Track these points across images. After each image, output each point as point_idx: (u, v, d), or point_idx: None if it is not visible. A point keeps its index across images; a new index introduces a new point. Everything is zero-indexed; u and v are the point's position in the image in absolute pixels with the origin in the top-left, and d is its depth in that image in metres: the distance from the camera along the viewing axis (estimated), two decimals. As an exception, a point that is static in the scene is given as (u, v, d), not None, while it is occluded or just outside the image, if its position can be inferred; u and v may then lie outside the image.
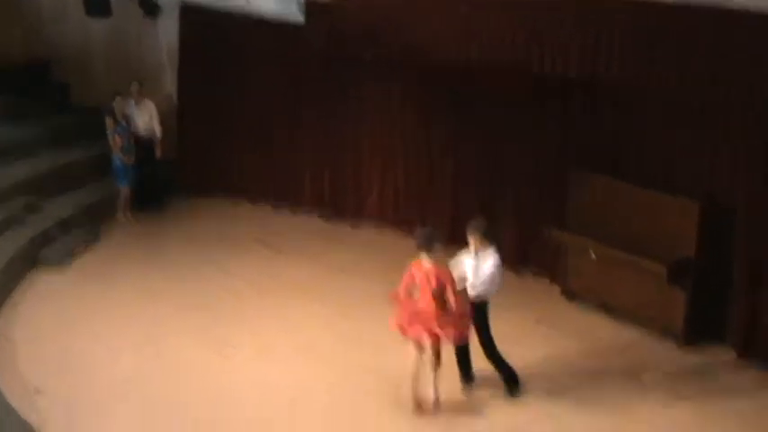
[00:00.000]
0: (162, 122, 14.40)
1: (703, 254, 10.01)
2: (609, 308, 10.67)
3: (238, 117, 14.70)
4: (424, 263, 8.72)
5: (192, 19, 14.63)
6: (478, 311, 9.01)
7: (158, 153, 14.39)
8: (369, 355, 10.00)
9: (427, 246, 8.75)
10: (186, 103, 15.08)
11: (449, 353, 9.10)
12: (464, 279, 8.94)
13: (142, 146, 14.14)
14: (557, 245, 11.13)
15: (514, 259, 11.77)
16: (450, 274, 8.78)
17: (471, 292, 8.93)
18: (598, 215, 10.80)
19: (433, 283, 8.60)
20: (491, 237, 9.15)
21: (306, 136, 14.27)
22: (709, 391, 9.39)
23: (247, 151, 14.77)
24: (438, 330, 8.69)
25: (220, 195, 14.91)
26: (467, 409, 9.07)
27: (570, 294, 11.02)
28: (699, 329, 10.24)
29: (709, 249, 10.04)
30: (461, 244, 12.71)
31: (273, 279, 12.00)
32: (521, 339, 9.70)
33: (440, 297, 8.63)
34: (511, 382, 9.19)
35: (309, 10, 12.94)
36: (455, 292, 8.66)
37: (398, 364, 9.62)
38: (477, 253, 8.99)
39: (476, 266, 8.96)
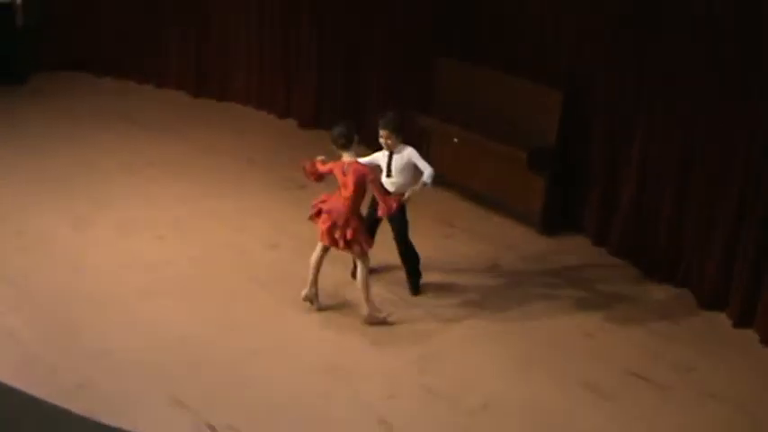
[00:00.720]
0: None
1: (564, 142, 10.19)
2: (471, 193, 10.83)
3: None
4: (345, 160, 8.35)
5: None
6: (401, 210, 8.75)
7: (18, 21, 13.92)
8: (232, 231, 10.03)
9: (346, 142, 8.37)
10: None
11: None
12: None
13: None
14: (421, 131, 11.22)
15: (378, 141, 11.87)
16: (373, 170, 8.47)
17: (391, 189, 8.67)
18: (463, 102, 10.93)
19: (349, 180, 8.25)
20: (404, 131, 8.83)
21: (173, 9, 14.04)
22: (558, 272, 9.69)
23: (112, 24, 14.46)
24: (348, 236, 8.30)
25: (84, 70, 14.60)
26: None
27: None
28: (557, 217, 10.49)
29: (571, 137, 10.22)
30: (325, 127, 12.94)
31: (136, 155, 11.86)
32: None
33: (356, 199, 8.33)
34: (416, 277, 9.05)
35: None
36: (380, 190, 8.38)
37: (262, 241, 9.83)
38: (391, 150, 8.69)
39: (395, 162, 8.69)
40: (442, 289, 9.01)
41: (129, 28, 14.41)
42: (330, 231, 8.29)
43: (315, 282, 8.57)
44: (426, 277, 9.08)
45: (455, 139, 10.30)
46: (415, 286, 9.02)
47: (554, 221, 10.44)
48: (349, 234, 8.23)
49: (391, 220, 8.67)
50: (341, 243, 8.30)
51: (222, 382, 7.50)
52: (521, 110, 10.38)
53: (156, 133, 12.64)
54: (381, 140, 8.65)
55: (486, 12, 11.09)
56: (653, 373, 8.00)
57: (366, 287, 8.39)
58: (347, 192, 8.24)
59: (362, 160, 8.60)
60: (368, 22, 12.18)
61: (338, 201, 8.30)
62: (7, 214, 10.11)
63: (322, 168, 8.47)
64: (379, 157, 8.78)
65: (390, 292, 8.98)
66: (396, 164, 8.67)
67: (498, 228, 10.49)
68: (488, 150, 10.35)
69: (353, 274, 8.64)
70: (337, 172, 8.31)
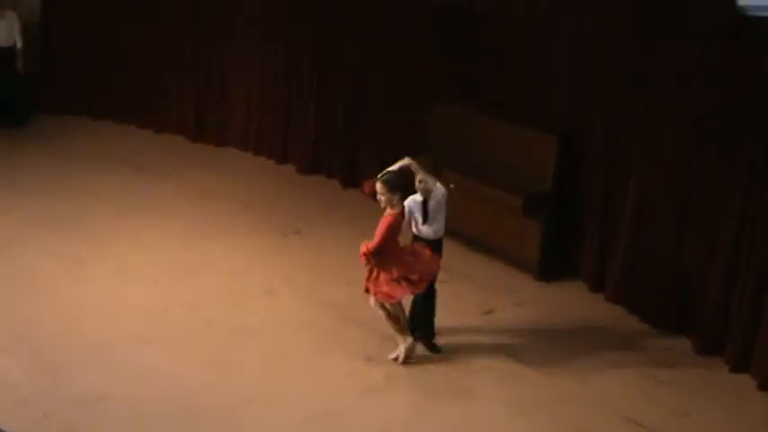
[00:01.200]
0: (25, 34, 14.00)
1: (560, 187, 10.23)
2: (468, 240, 10.81)
3: (106, 33, 14.42)
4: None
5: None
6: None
7: (19, 66, 14.05)
8: (227, 276, 10.03)
9: (403, 191, 8.31)
10: (52, 16, 14.69)
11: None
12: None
13: (1, 58, 13.75)
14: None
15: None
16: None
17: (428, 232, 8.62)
18: (459, 147, 10.97)
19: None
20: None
21: (173, 56, 14.13)
22: (555, 319, 9.69)
23: (114, 69, 14.55)
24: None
25: (84, 114, 14.67)
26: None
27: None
28: (554, 263, 10.48)
29: (567, 183, 10.26)
30: (324, 172, 12.98)
31: (134, 198, 11.88)
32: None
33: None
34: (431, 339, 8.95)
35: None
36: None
37: (257, 287, 9.83)
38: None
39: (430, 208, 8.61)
40: (438, 337, 8.98)
41: (130, 72, 14.49)
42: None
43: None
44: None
45: (451, 185, 10.27)
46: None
47: (551, 267, 10.44)
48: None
49: None
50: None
51: (217, 430, 7.47)
52: (517, 155, 10.43)
53: (154, 177, 12.66)
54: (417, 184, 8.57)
55: (483, 58, 11.15)
56: (648, 418, 8.00)
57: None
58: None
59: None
60: (367, 68, 12.24)
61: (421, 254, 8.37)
62: (4, 256, 10.12)
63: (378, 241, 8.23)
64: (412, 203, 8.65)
65: (378, 333, 8.97)
66: (430, 209, 8.61)
67: (495, 274, 10.49)
68: (484, 196, 10.38)
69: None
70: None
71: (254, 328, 9.02)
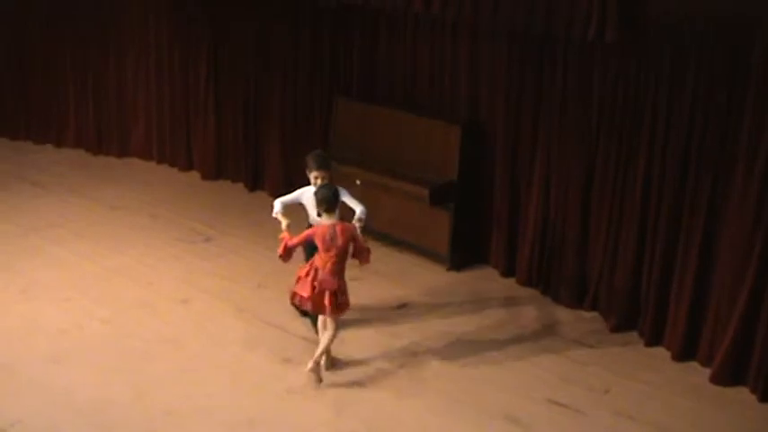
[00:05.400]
0: None
1: (467, 176, 10.33)
2: (378, 234, 10.73)
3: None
4: (327, 222, 8.06)
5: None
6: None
7: None
8: (140, 288, 9.91)
9: (330, 207, 8.10)
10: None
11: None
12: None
13: None
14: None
15: (284, 189, 11.90)
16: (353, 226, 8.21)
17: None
18: (364, 141, 11.01)
19: (340, 241, 7.99)
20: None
21: (68, 69, 13.93)
22: (468, 307, 9.77)
23: (4, 83, 14.29)
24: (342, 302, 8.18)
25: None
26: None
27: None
28: (464, 252, 10.59)
29: (474, 172, 10.37)
30: (226, 178, 12.92)
31: (38, 216, 11.65)
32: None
33: (344, 260, 8.11)
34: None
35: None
36: (362, 240, 8.22)
37: (171, 296, 9.75)
38: None
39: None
40: (352, 332, 9.00)
41: (24, 87, 14.23)
42: (321, 301, 8.09)
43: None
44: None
45: (357, 181, 10.34)
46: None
47: (462, 256, 10.53)
48: (343, 300, 8.15)
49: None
50: (330, 309, 8.12)
51: (140, 444, 7.42)
52: (422, 147, 10.49)
53: (56, 193, 12.45)
54: (315, 180, 8.45)
55: (382, 52, 11.20)
56: (569, 398, 8.12)
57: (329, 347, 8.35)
58: (332, 255, 8.00)
59: (285, 199, 8.56)
60: (265, 68, 12.21)
61: (322, 268, 8.05)
62: None
63: (295, 242, 8.14)
64: (304, 197, 8.63)
65: (294, 334, 9.03)
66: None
67: (406, 266, 10.54)
68: (391, 189, 10.42)
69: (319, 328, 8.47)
70: (318, 238, 8.01)
71: (170, 339, 8.94)
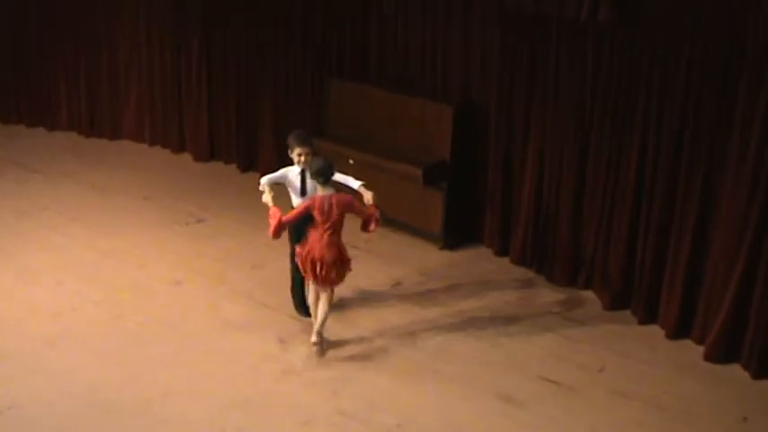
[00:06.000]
0: None
1: (460, 156, 10.31)
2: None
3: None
4: (322, 194, 8.13)
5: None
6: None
7: None
8: (133, 270, 9.91)
9: (327, 179, 8.15)
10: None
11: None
12: None
13: None
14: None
15: (274, 169, 11.91)
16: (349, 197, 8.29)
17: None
18: (356, 122, 10.98)
19: (335, 212, 8.10)
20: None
21: (60, 52, 13.87)
22: (462, 286, 9.78)
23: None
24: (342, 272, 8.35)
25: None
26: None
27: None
28: (458, 232, 10.60)
29: (467, 152, 10.34)
30: (220, 159, 12.91)
31: (29, 200, 11.62)
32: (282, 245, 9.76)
33: (340, 230, 8.21)
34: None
35: None
36: (362, 209, 8.34)
37: (164, 278, 9.75)
38: (304, 168, 8.50)
39: (309, 181, 8.52)
40: (348, 312, 9.02)
41: (15, 70, 14.18)
42: (319, 272, 8.20)
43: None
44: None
45: (350, 161, 10.33)
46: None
47: (455, 236, 10.54)
48: (345, 268, 8.29)
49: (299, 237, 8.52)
50: (336, 280, 8.30)
51: (137, 426, 7.42)
52: (414, 127, 10.47)
53: (50, 177, 12.42)
54: (298, 158, 8.46)
55: (374, 33, 11.17)
56: (563, 376, 8.16)
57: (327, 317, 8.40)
58: (328, 225, 8.10)
59: (271, 176, 8.56)
60: (257, 48, 12.17)
61: (318, 242, 8.16)
62: None
63: (290, 217, 8.18)
64: (290, 175, 8.60)
65: (288, 315, 9.04)
66: (310, 182, 8.50)
67: (400, 246, 10.55)
68: (384, 169, 10.41)
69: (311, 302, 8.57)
70: (316, 210, 8.08)
71: (164, 320, 8.95)
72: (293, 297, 9.03)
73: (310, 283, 8.47)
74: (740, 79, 7.89)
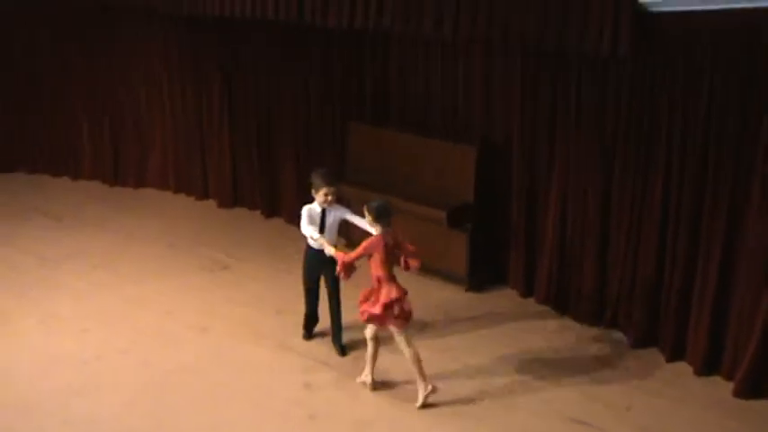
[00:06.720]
0: None
1: (483, 197, 10.31)
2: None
3: (7, 81, 14.22)
4: (382, 232, 8.20)
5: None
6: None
7: None
8: (159, 317, 9.92)
9: (389, 216, 8.26)
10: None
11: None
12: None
13: None
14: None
15: (300, 215, 11.95)
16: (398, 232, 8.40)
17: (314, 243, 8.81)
18: (378, 165, 11.01)
19: (395, 249, 8.26)
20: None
21: (83, 101, 13.99)
22: (488, 327, 9.75)
23: (20, 118, 14.36)
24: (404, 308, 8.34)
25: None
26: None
27: (354, 246, 11.09)
28: (483, 274, 10.59)
29: (490, 193, 10.36)
30: (243, 206, 12.91)
31: (55, 248, 11.69)
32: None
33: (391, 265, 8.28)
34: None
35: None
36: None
37: (190, 325, 9.75)
38: (324, 208, 8.78)
39: (327, 220, 8.84)
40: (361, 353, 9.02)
41: (40, 121, 14.30)
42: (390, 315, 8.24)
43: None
44: (356, 346, 9.14)
45: (373, 204, 10.33)
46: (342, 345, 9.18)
47: (480, 278, 10.53)
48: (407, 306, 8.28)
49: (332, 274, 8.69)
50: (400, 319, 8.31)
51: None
52: (436, 169, 10.49)
53: (74, 225, 12.50)
54: (325, 197, 8.66)
55: (393, 74, 11.22)
56: (592, 416, 8.10)
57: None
58: (389, 263, 8.19)
59: (312, 225, 8.69)
60: (278, 96, 12.24)
61: (391, 281, 8.22)
62: None
63: (353, 256, 8.25)
64: (312, 214, 8.78)
65: (314, 359, 9.05)
66: (328, 221, 8.76)
67: (425, 289, 10.50)
68: (408, 212, 10.40)
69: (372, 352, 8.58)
70: (379, 248, 8.14)
71: (191, 367, 8.94)
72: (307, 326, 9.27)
73: (373, 330, 8.44)
74: (761, 106, 7.89)
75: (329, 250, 8.50)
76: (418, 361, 8.26)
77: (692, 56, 8.30)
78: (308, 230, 8.69)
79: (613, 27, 8.22)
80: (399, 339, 8.28)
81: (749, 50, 7.89)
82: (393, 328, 8.25)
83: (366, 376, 8.55)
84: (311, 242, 8.82)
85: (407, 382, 8.57)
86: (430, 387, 8.25)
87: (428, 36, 10.21)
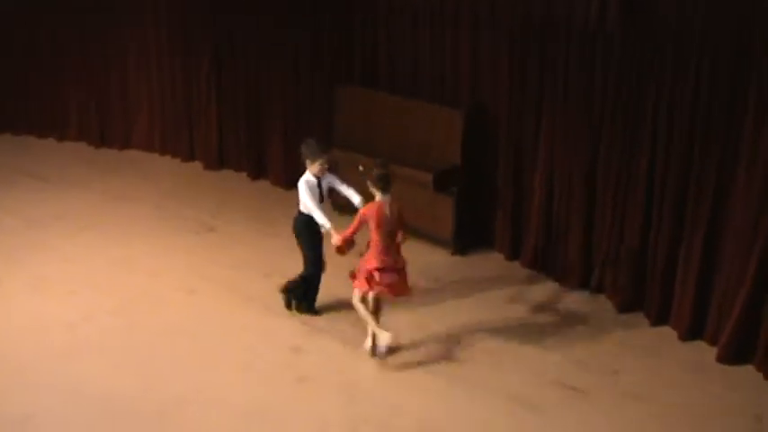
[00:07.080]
0: None
1: (470, 161, 10.33)
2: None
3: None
4: (382, 201, 8.20)
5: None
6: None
7: None
8: (146, 279, 9.93)
9: (387, 185, 8.22)
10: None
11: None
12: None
13: None
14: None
15: (287, 178, 11.98)
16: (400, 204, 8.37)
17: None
18: (366, 128, 11.00)
19: (394, 218, 8.23)
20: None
21: (69, 62, 13.92)
22: (474, 290, 9.79)
23: (6, 80, 14.28)
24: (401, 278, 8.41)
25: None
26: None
27: (341, 207, 11.12)
28: (469, 237, 10.62)
29: (477, 157, 10.36)
30: (229, 168, 12.90)
31: (42, 210, 11.66)
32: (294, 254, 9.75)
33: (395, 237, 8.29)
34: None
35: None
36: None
37: (177, 287, 9.78)
38: (320, 177, 8.75)
39: (324, 188, 8.84)
40: (359, 319, 9.04)
41: (25, 82, 14.22)
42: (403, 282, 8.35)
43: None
44: (341, 307, 9.17)
45: (360, 167, 10.31)
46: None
47: (466, 241, 10.56)
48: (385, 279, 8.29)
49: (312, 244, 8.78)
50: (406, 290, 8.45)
51: (152, 432, 7.44)
52: (423, 133, 10.49)
53: (61, 187, 12.47)
54: (321, 167, 8.67)
55: (382, 40, 11.18)
56: (577, 380, 8.17)
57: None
58: (389, 230, 8.18)
59: (314, 202, 8.62)
60: (265, 58, 12.20)
61: (386, 251, 8.21)
62: None
63: (350, 232, 8.25)
64: (309, 186, 8.73)
65: (301, 322, 9.08)
66: (324, 190, 8.81)
67: (411, 252, 10.44)
68: (394, 175, 10.39)
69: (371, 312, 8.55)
70: (374, 218, 8.10)
71: (178, 330, 8.97)
72: (304, 298, 9.16)
73: (372, 294, 8.44)
74: (749, 87, 7.91)
75: (335, 240, 8.39)
76: (370, 314, 8.38)
77: (681, 30, 8.30)
78: (321, 219, 8.57)
79: (601, 1, 8.22)
80: (355, 298, 8.38)
81: (740, 28, 7.89)
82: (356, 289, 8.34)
83: (368, 340, 8.58)
84: (302, 208, 8.80)
85: (404, 348, 8.64)
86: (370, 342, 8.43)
87: (417, 5, 10.23)
